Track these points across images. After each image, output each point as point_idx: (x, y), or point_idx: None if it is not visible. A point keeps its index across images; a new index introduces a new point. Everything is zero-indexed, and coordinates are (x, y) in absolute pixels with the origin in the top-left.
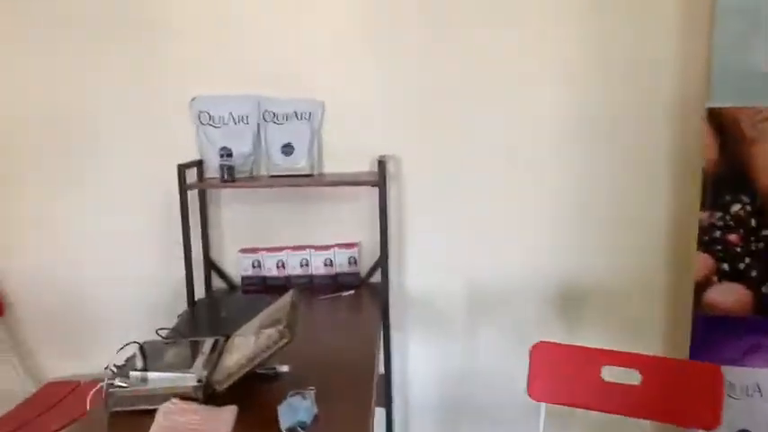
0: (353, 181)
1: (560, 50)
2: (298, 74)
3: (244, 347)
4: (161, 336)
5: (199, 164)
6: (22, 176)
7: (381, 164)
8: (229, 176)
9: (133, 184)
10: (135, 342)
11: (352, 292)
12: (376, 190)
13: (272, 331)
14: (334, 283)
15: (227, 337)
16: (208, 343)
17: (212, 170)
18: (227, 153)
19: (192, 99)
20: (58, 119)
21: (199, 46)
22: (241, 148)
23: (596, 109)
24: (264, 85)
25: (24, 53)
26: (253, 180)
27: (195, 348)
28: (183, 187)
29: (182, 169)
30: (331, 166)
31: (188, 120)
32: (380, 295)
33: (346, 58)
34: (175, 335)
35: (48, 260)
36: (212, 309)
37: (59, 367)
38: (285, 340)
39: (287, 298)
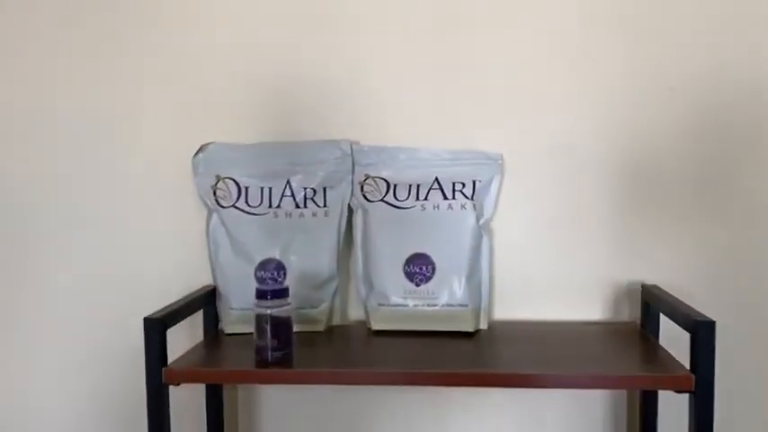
0: (608, 377)
1: None
2: (437, 102)
3: None
4: None
5: (210, 297)
6: None
7: (700, 327)
8: (279, 351)
9: (78, 342)
10: None
11: None
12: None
13: None
14: None
15: None
16: None
17: (237, 316)
18: (272, 288)
19: (198, 151)
20: None
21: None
22: (308, 263)
23: None
24: (362, 128)
25: None
26: (339, 366)
27: None
28: (155, 379)
29: (153, 330)
30: (507, 302)
31: (190, 195)
32: None
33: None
34: None
35: None
36: None
37: None
38: None
39: None
